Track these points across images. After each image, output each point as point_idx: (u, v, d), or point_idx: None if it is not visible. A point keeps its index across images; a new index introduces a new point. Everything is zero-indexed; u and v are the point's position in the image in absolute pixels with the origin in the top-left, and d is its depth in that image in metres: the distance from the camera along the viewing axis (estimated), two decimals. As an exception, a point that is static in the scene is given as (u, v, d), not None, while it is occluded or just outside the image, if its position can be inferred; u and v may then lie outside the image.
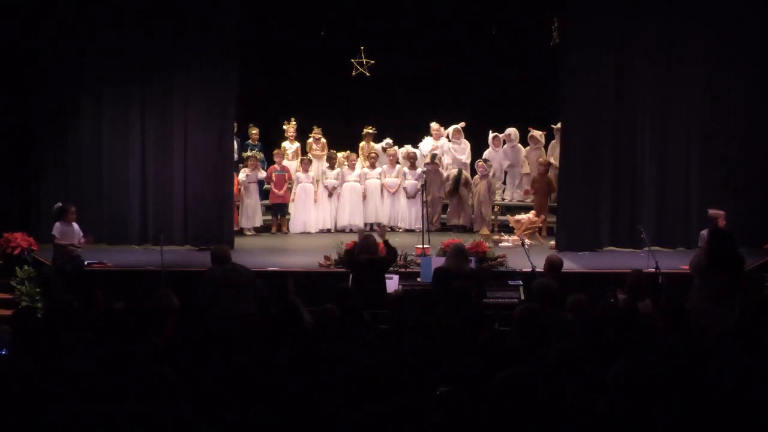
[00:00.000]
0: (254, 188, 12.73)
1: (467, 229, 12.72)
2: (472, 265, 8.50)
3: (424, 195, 11.51)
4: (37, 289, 9.24)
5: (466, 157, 13.50)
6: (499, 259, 9.76)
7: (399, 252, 8.97)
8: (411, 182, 12.97)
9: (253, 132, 13.37)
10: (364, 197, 13.06)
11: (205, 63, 11.23)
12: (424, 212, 11.20)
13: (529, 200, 13.19)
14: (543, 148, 13.51)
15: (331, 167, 13.07)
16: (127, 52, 11.24)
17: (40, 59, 11.26)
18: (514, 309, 5.51)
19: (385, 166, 13.23)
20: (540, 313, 5.33)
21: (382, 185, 13.09)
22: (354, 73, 14.73)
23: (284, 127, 13.61)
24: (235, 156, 13.32)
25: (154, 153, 11.46)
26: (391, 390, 4.06)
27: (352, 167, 13.13)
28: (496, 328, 6.74)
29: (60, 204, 9.64)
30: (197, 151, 11.35)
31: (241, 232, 12.34)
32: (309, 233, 12.77)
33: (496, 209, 12.80)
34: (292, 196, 12.99)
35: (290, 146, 13.56)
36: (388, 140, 13.59)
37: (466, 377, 4.29)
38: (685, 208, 11.21)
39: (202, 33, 11.12)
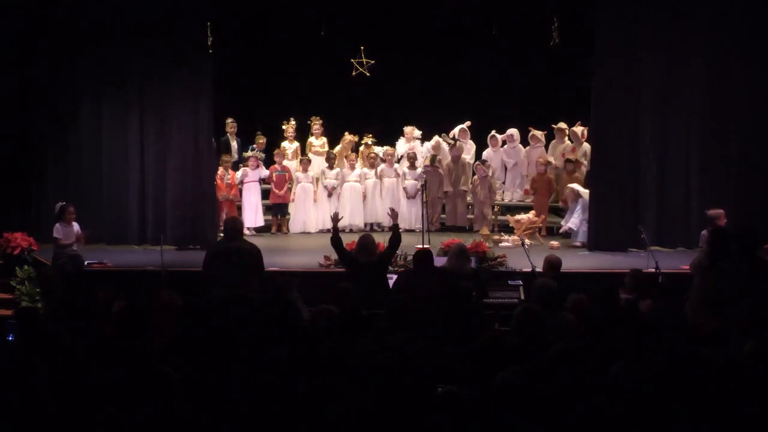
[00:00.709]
0: (255, 188, 12.73)
1: (467, 229, 12.73)
2: (473, 265, 8.51)
3: (424, 195, 11.52)
4: (37, 289, 9.24)
5: (470, 157, 13.49)
6: (499, 259, 9.76)
7: (399, 252, 8.97)
8: (411, 182, 12.97)
9: (260, 141, 13.35)
10: (364, 197, 13.07)
11: (179, 61, 11.22)
12: (424, 212, 11.20)
13: (529, 200, 13.20)
14: (543, 148, 13.51)
15: (331, 167, 13.07)
16: (123, 52, 11.23)
17: (40, 59, 11.26)
18: (514, 309, 5.51)
19: (384, 166, 13.22)
20: (540, 313, 5.33)
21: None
22: (354, 73, 14.74)
23: (283, 127, 13.62)
24: (236, 156, 13.37)
25: (150, 153, 11.46)
26: (391, 390, 4.06)
27: (351, 167, 13.13)
28: (496, 328, 6.75)
29: (61, 204, 9.65)
30: (176, 151, 11.36)
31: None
32: (309, 233, 12.78)
33: (496, 209, 12.81)
34: (292, 196, 13.00)
35: (290, 146, 13.56)
36: (387, 147, 13.58)
37: (466, 377, 4.30)
38: (685, 208, 11.21)
39: (176, 30, 11.12)
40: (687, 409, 4.02)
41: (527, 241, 10.29)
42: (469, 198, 13.09)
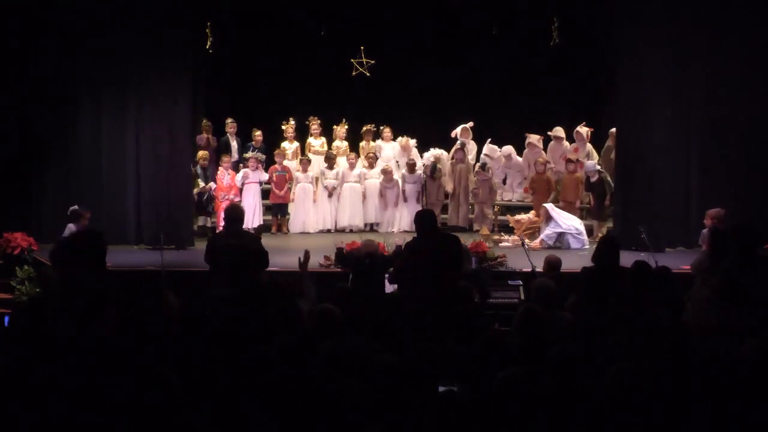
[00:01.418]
0: (254, 189, 12.72)
1: (467, 229, 12.73)
2: (473, 265, 8.50)
3: (424, 197, 11.51)
4: (37, 289, 9.23)
5: (471, 157, 13.49)
6: (499, 259, 9.75)
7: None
8: (410, 186, 12.95)
9: (257, 134, 13.37)
10: (364, 198, 13.06)
11: (159, 61, 11.23)
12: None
13: (528, 200, 13.20)
14: (542, 151, 13.51)
15: (330, 167, 13.06)
16: (119, 52, 11.23)
17: (40, 59, 11.25)
18: (515, 309, 5.51)
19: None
20: (540, 313, 5.33)
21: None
22: (354, 73, 14.75)
23: (283, 127, 13.62)
24: (236, 156, 13.37)
25: (143, 153, 11.48)
26: (391, 390, 4.06)
27: (351, 167, 13.13)
28: (496, 328, 6.74)
29: (75, 207, 9.70)
30: (152, 150, 11.39)
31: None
32: (308, 233, 12.77)
33: (496, 209, 12.81)
34: (291, 196, 12.99)
35: (289, 146, 13.56)
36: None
37: (466, 377, 4.29)
38: (685, 208, 11.20)
39: (158, 31, 11.14)
40: (687, 409, 4.02)
41: (527, 241, 10.28)
42: (470, 198, 13.08)
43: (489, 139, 13.48)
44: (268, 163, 13.28)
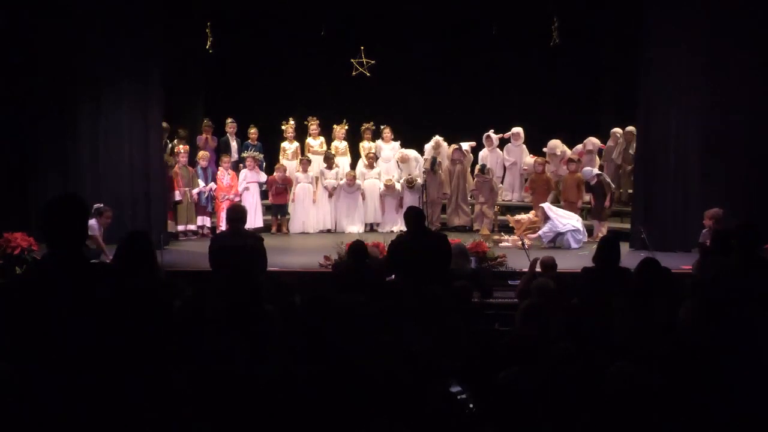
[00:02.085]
0: (254, 189, 12.72)
1: (467, 229, 12.73)
2: (473, 265, 8.50)
3: (424, 195, 11.51)
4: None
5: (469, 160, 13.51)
6: (499, 259, 9.75)
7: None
8: (409, 195, 12.93)
9: (252, 132, 13.38)
10: (363, 198, 13.06)
11: (132, 60, 11.24)
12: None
13: (528, 200, 13.20)
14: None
15: (329, 167, 13.06)
16: (113, 51, 11.23)
17: (39, 59, 11.24)
18: (515, 309, 5.51)
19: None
20: (541, 312, 5.33)
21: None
22: (354, 73, 14.75)
23: (283, 127, 13.63)
24: (236, 156, 13.37)
25: (140, 153, 11.49)
26: (391, 390, 4.06)
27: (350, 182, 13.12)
28: (496, 328, 6.74)
29: (100, 205, 9.90)
30: (128, 151, 11.40)
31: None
32: (308, 233, 12.78)
33: (496, 209, 12.81)
34: (291, 197, 13.00)
35: (289, 146, 13.57)
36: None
37: (466, 377, 4.29)
38: (684, 207, 11.20)
39: (129, 31, 11.15)
40: (687, 409, 4.02)
41: (527, 242, 10.28)
42: (470, 198, 13.09)
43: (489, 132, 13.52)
44: (267, 163, 13.28)
